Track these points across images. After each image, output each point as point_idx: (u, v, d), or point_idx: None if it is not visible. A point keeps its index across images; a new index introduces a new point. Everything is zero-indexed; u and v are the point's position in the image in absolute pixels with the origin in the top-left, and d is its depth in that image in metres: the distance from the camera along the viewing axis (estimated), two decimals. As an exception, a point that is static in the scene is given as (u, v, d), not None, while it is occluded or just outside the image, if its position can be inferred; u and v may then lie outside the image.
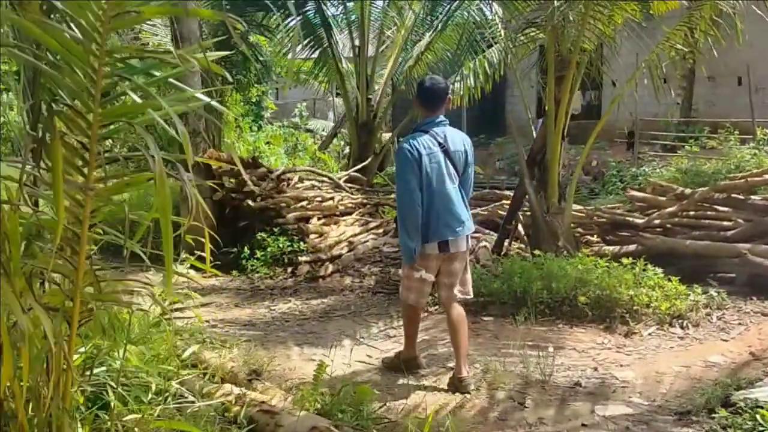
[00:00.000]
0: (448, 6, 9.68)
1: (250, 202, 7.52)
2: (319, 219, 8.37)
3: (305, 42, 10.20)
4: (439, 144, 4.00)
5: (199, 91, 2.59)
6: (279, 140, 14.65)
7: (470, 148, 4.19)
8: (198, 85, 7.29)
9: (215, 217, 7.74)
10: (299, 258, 7.31)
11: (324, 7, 9.91)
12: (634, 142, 14.24)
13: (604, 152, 14.49)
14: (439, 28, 9.97)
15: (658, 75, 7.00)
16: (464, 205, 4.10)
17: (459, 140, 4.12)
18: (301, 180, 9.02)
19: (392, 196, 10.30)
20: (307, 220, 8.16)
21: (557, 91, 6.99)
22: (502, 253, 7.34)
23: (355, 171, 10.47)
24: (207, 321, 5.76)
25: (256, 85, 15.82)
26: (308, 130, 17.65)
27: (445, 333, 4.70)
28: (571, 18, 6.66)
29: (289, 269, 7.32)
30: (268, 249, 7.29)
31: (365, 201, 9.60)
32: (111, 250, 7.98)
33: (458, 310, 4.15)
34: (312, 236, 7.91)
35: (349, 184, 10.11)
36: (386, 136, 16.73)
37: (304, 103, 16.43)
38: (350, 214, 9.15)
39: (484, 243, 7.58)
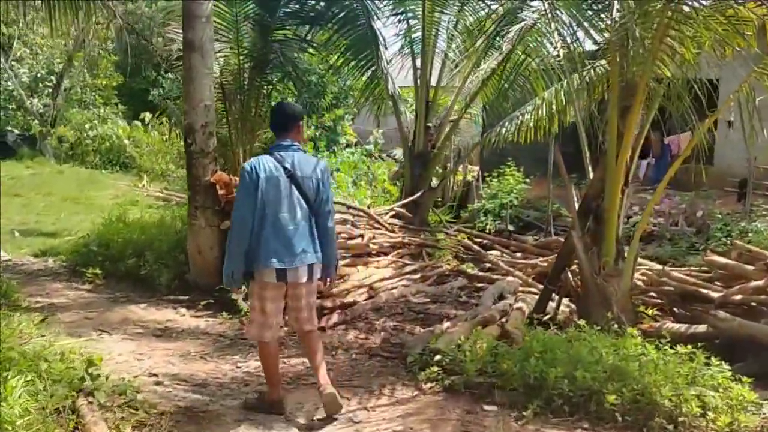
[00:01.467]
0: (517, 26, 8.43)
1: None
2: (342, 259, 7.32)
3: (356, 61, 9.25)
4: (284, 169, 3.89)
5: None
6: (348, 168, 13.79)
7: (324, 176, 4.04)
8: (207, 96, 6.50)
9: (221, 248, 6.88)
10: (299, 304, 6.25)
11: (372, 23, 8.94)
12: (747, 193, 12.26)
13: (711, 202, 12.70)
14: (507, 50, 8.74)
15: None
16: (307, 235, 3.97)
17: (310, 167, 3.99)
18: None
19: (441, 236, 9.12)
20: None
21: (620, 124, 5.64)
22: (544, 318, 6.00)
23: (405, 206, 9.36)
24: (155, 374, 4.88)
25: (333, 110, 15.22)
26: (392, 158, 16.72)
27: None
28: (637, 34, 5.32)
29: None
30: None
31: (408, 240, 8.46)
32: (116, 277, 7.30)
33: (315, 338, 4.22)
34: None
35: (395, 221, 9.02)
36: (475, 168, 15.60)
37: (381, 130, 15.55)
38: (386, 254, 8.05)
39: (521, 304, 6.26)
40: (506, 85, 9.26)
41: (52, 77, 21.86)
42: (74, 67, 21.39)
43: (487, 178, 13.50)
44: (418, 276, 7.90)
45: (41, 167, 18.26)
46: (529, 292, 7.26)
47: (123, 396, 4.25)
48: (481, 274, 8.33)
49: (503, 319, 5.94)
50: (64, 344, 5.03)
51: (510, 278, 7.79)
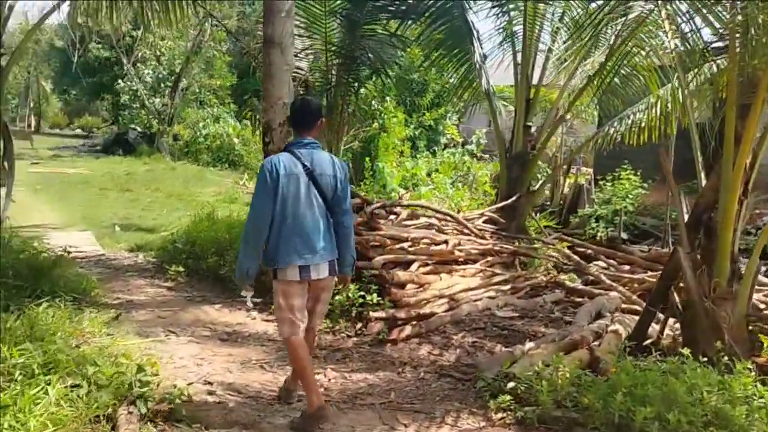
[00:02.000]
0: (631, 15, 7.62)
1: (327, 238, 6.28)
2: (424, 266, 6.89)
3: (449, 57, 8.74)
4: (304, 166, 3.87)
5: None
6: (448, 169, 13.32)
7: (342, 173, 4.03)
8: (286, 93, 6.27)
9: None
10: (370, 313, 5.89)
11: (467, 16, 8.39)
12: None
13: None
14: (617, 43, 7.94)
15: None
16: (324, 232, 3.96)
17: (328, 164, 3.97)
18: (414, 216, 7.60)
19: (537, 245, 8.48)
20: (407, 265, 6.72)
21: (739, 125, 4.87)
22: (645, 343, 5.31)
23: (500, 210, 8.78)
24: (209, 382, 4.66)
25: (434, 109, 14.79)
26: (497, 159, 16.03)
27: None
28: (760, 20, 4.55)
29: (358, 325, 5.94)
30: (336, 298, 5.98)
31: (499, 248, 7.90)
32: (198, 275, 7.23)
33: (314, 336, 4.32)
34: (408, 287, 6.45)
35: (487, 226, 8.47)
36: (587, 171, 14.68)
37: (485, 129, 14.93)
38: (474, 262, 7.53)
39: (617, 326, 5.58)
40: (616, 81, 8.46)
41: (172, 77, 22.79)
42: (191, 68, 22.18)
43: (601, 182, 12.59)
44: (507, 287, 7.33)
45: (156, 164, 19.05)
46: (632, 312, 6.53)
47: (169, 405, 4.05)
48: (580, 287, 7.63)
49: (596, 343, 5.31)
50: (127, 344, 4.94)
51: (612, 294, 7.08)
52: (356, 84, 8.34)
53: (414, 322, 5.98)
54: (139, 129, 23.66)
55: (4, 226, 7.31)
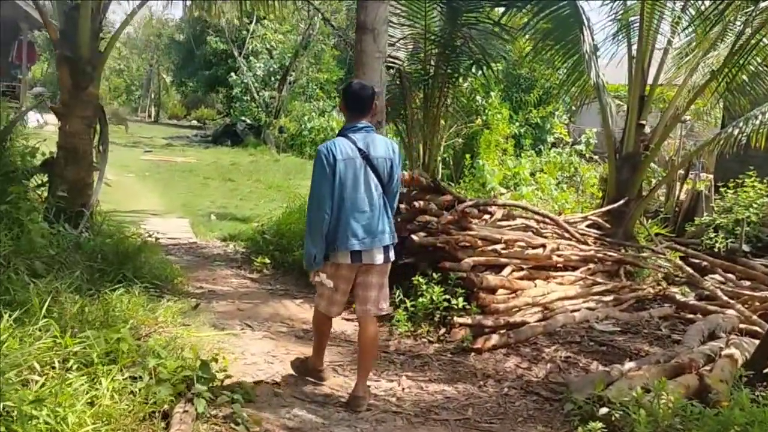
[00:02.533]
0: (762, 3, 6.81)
1: (414, 237, 5.93)
2: (518, 270, 6.41)
3: (558, 47, 8.12)
4: (359, 150, 3.87)
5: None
6: (553, 169, 12.63)
7: (396, 156, 4.03)
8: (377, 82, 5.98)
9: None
10: (455, 319, 5.49)
11: (577, 3, 7.74)
12: None
13: None
14: (747, 36, 7.12)
15: None
16: (384, 216, 3.97)
17: (383, 147, 3.98)
18: (510, 217, 7.11)
19: (646, 254, 7.77)
20: (499, 269, 6.27)
21: None
22: (765, 371, 4.63)
23: (606, 214, 8.12)
24: (277, 383, 4.43)
25: (542, 106, 14.13)
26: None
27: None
28: None
29: (442, 331, 5.55)
30: (420, 300, 5.62)
31: (602, 255, 7.27)
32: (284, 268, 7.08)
33: (372, 329, 4.12)
34: (499, 292, 6.01)
35: (591, 231, 7.84)
36: (707, 176, 13.56)
37: (596, 130, 14.06)
38: (574, 269, 6.96)
39: (733, 350, 4.90)
40: (743, 78, 7.60)
41: (282, 71, 23.16)
42: (300, 61, 22.43)
43: (722, 189, 11.51)
44: (609, 298, 6.72)
45: (261, 155, 19.35)
46: (752, 334, 5.79)
47: (230, 405, 3.83)
48: (693, 302, 6.90)
49: (707, 368, 4.68)
50: (200, 337, 4.80)
51: (729, 312, 6.32)
52: (456, 75, 7.91)
53: (502, 331, 5.54)
54: (248, 121, 24.19)
55: (100, 209, 7.43)
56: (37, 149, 6.76)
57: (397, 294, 5.69)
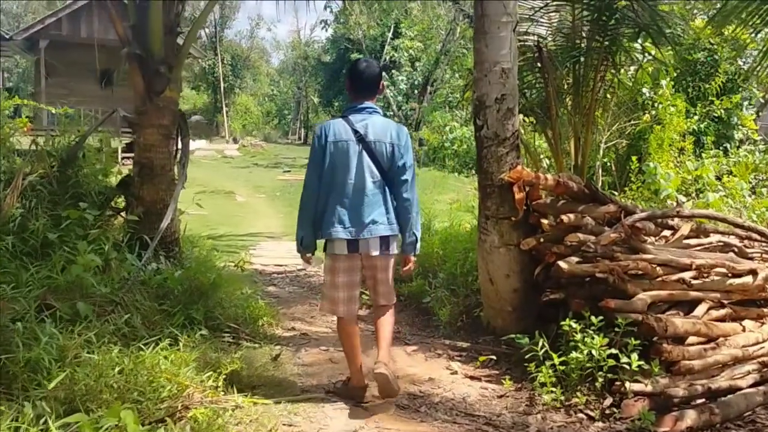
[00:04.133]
0: None
1: (562, 264, 4.25)
2: (717, 308, 4.54)
3: (752, 12, 6.00)
4: (355, 132, 3.65)
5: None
6: (745, 171, 10.21)
7: (402, 142, 3.71)
8: (505, 57, 4.46)
9: (522, 276, 4.76)
10: (627, 385, 3.74)
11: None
12: None
13: None
14: None
15: None
16: (380, 205, 3.68)
17: (384, 131, 3.70)
18: (702, 233, 5.18)
19: None
20: (689, 307, 4.43)
21: None
22: None
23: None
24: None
25: (726, 96, 11.70)
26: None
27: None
28: None
29: (607, 402, 3.82)
30: (573, 355, 3.92)
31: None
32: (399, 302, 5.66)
33: (383, 312, 3.89)
34: (691, 341, 4.20)
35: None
36: None
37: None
38: (800, 305, 4.91)
39: None
40: None
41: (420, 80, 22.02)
42: (441, 70, 21.16)
43: None
44: None
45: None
46: None
47: None
48: None
49: None
50: (258, 413, 3.50)
51: None
52: (615, 49, 6.07)
53: (701, 402, 3.72)
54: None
55: (193, 234, 6.44)
56: (111, 168, 5.89)
57: (539, 345, 4.05)
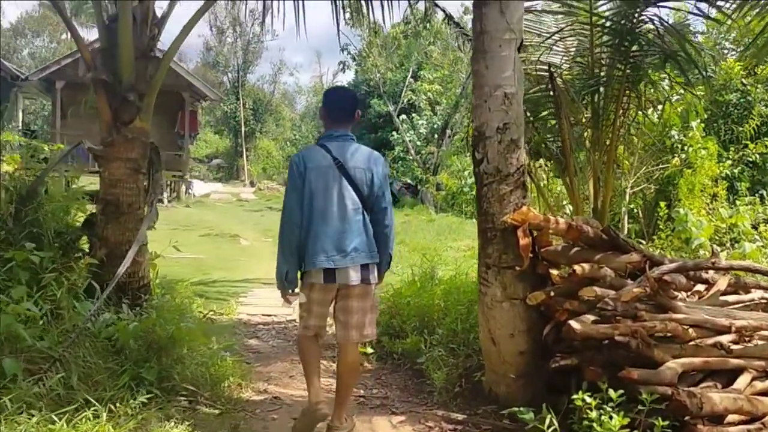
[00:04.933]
0: None
1: (574, 324, 3.54)
2: (761, 378, 3.77)
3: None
4: (334, 159, 3.55)
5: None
6: (784, 220, 9.40)
7: (379, 168, 3.64)
8: (508, 80, 3.86)
9: (529, 337, 4.07)
10: (653, 481, 2.99)
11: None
12: None
13: None
14: None
15: None
16: (360, 233, 3.55)
17: (362, 157, 3.62)
18: (742, 288, 4.43)
19: None
20: (728, 378, 3.68)
21: None
22: None
23: None
24: None
25: (761, 139, 10.95)
26: None
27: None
28: None
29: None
30: (590, 437, 3.19)
31: None
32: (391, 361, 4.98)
33: (352, 356, 3.69)
34: (731, 419, 3.44)
35: None
36: None
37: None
38: None
39: None
40: None
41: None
42: (460, 113, 20.70)
43: None
44: None
45: (417, 216, 17.53)
46: None
47: None
48: None
49: None
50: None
51: None
52: (639, 78, 5.41)
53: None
54: (409, 180, 22.78)
55: (164, 280, 5.84)
56: (75, 206, 5.34)
57: (547, 423, 3.33)
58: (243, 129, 34.09)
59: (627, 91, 5.34)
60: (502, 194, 4.02)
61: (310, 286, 3.60)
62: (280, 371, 5.06)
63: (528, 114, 5.29)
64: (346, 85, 26.66)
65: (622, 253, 3.98)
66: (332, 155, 3.56)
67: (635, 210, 10.10)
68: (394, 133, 24.90)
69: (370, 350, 5.28)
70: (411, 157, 22.76)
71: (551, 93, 5.07)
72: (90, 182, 6.09)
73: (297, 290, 3.71)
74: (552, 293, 3.97)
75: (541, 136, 5.48)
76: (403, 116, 24.98)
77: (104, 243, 5.03)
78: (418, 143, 23.62)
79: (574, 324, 3.56)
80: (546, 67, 5.07)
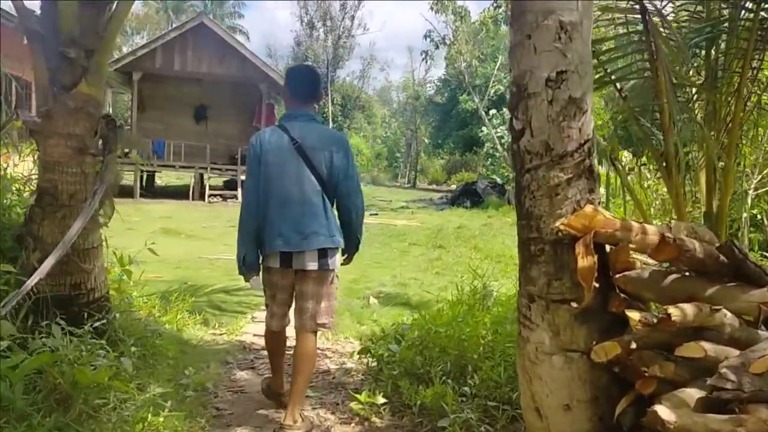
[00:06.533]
0: None
1: (662, 413, 2.02)
2: None
3: None
4: (291, 139, 3.45)
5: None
6: None
7: (341, 149, 3.52)
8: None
9: (594, 411, 2.58)
10: None
11: None
12: None
13: None
14: None
15: None
16: (320, 216, 3.46)
17: (321, 138, 3.51)
18: None
19: None
20: None
21: None
22: None
23: None
24: None
25: None
26: None
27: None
28: None
29: None
30: None
31: None
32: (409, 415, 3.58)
33: (308, 344, 3.57)
34: None
35: None
36: None
37: None
38: None
39: None
40: None
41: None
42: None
43: None
44: None
45: (501, 217, 15.96)
46: None
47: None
48: None
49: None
50: None
51: None
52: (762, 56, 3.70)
53: None
54: (497, 179, 21.17)
55: (123, 287, 4.68)
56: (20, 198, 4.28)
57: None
58: (331, 125, 33.37)
59: (760, 42, 3.67)
60: (553, 185, 2.51)
61: (268, 270, 3.57)
62: (259, 422, 3.74)
63: (605, 70, 3.72)
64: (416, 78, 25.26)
65: (752, 286, 2.39)
66: (290, 135, 3.45)
67: (759, 216, 8.15)
68: (483, 128, 23.35)
69: (381, 400, 3.86)
70: (498, 154, 21.13)
71: (642, 38, 3.48)
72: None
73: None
74: (633, 345, 2.45)
75: (628, 104, 3.86)
76: (494, 111, 23.31)
77: (39, 244, 3.89)
78: (505, 136, 22.07)
79: (662, 411, 2.03)
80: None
